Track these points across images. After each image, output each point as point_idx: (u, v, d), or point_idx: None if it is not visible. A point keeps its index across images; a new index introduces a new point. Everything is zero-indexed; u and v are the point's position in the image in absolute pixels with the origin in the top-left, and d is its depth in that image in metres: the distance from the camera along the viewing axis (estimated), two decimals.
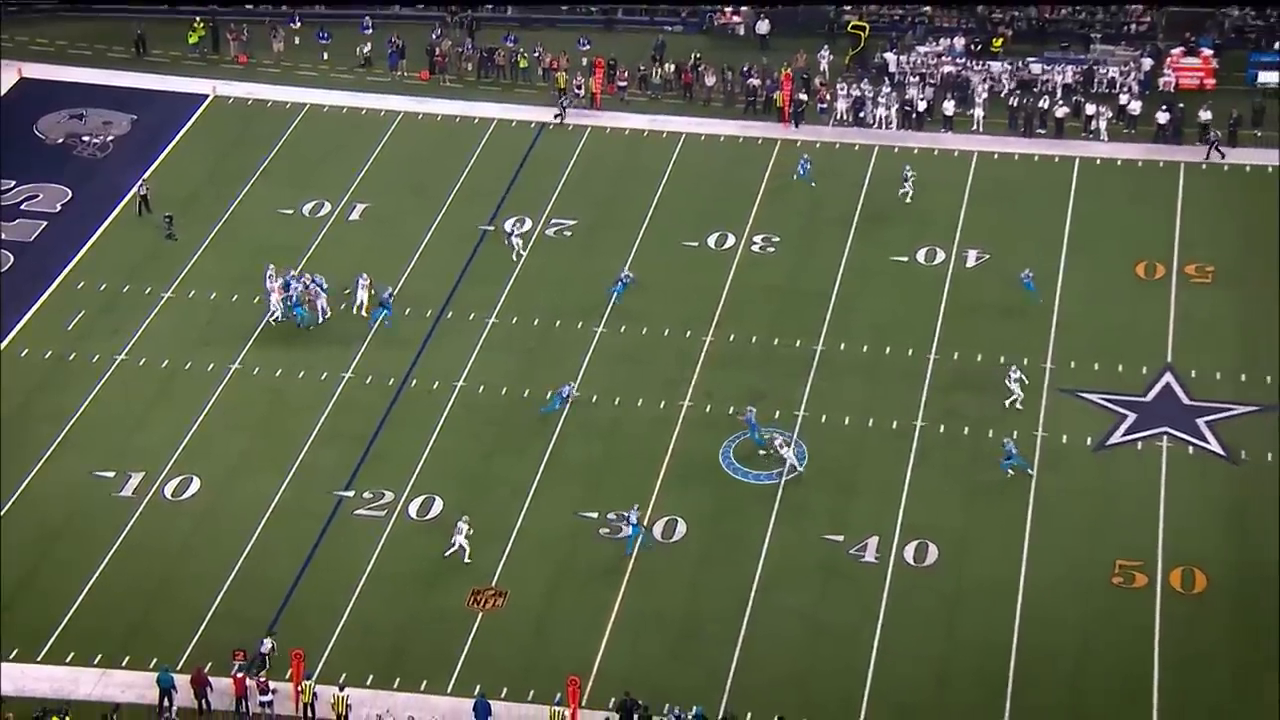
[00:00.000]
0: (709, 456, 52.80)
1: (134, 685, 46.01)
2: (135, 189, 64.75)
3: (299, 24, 76.11)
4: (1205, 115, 66.65)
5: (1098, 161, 66.33)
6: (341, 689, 44.84)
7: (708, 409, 54.44)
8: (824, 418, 54.13)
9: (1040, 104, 68.86)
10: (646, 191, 65.23)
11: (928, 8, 75.36)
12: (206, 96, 71.63)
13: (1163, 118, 67.19)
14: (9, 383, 56.24)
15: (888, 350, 56.79)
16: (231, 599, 48.49)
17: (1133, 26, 74.41)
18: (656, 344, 57.42)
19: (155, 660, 46.24)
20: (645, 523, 49.98)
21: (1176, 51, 71.48)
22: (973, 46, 72.76)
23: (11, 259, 62.20)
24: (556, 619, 47.79)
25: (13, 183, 65.86)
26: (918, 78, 71.07)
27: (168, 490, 52.19)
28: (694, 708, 44.05)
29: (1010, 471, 51.24)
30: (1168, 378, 55.21)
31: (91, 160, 67.96)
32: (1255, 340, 56.69)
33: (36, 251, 62.57)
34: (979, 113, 68.66)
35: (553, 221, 63.73)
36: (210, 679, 45.43)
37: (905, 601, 47.80)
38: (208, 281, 60.71)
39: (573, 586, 48.78)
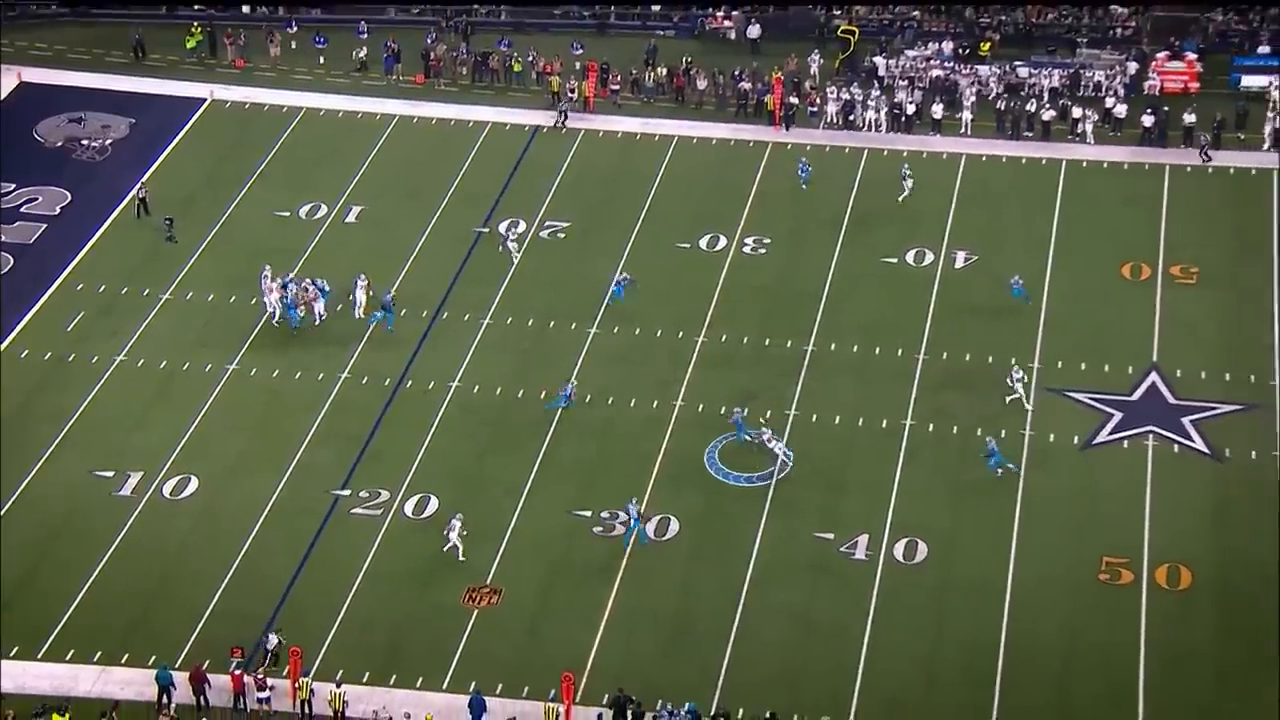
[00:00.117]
0: (701, 457, 53.13)
1: (133, 682, 46.18)
2: (134, 192, 64.84)
3: (295, 29, 76.29)
4: (1190, 118, 67.02)
5: (1084, 164, 66.61)
6: (338, 686, 45.09)
7: (700, 409, 54.80)
8: (814, 417, 54.51)
9: (1027, 107, 69.13)
10: (639, 194, 65.49)
11: (916, 12, 75.49)
12: (204, 100, 71.79)
13: (1148, 121, 67.47)
14: (9, 383, 56.42)
15: (877, 350, 57.14)
16: (229, 597, 48.69)
17: (1118, 31, 74.65)
18: (649, 344, 57.70)
19: (154, 657, 46.38)
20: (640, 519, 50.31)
21: (1161, 55, 71.75)
22: (961, 51, 72.99)
23: (11, 261, 62.40)
24: (551, 616, 48.04)
25: (13, 186, 66.01)
26: (907, 81, 71.30)
27: (166, 490, 52.39)
28: (686, 704, 44.24)
29: (1000, 471, 51.54)
30: (1153, 377, 55.55)
31: (90, 163, 68.09)
32: (1239, 340, 57.04)
33: (36, 253, 62.75)
34: (967, 116, 68.92)
35: (547, 223, 63.96)
36: (208, 676, 45.62)
37: (895, 599, 48.12)
38: (205, 283, 60.91)
39: (567, 584, 49.02)
